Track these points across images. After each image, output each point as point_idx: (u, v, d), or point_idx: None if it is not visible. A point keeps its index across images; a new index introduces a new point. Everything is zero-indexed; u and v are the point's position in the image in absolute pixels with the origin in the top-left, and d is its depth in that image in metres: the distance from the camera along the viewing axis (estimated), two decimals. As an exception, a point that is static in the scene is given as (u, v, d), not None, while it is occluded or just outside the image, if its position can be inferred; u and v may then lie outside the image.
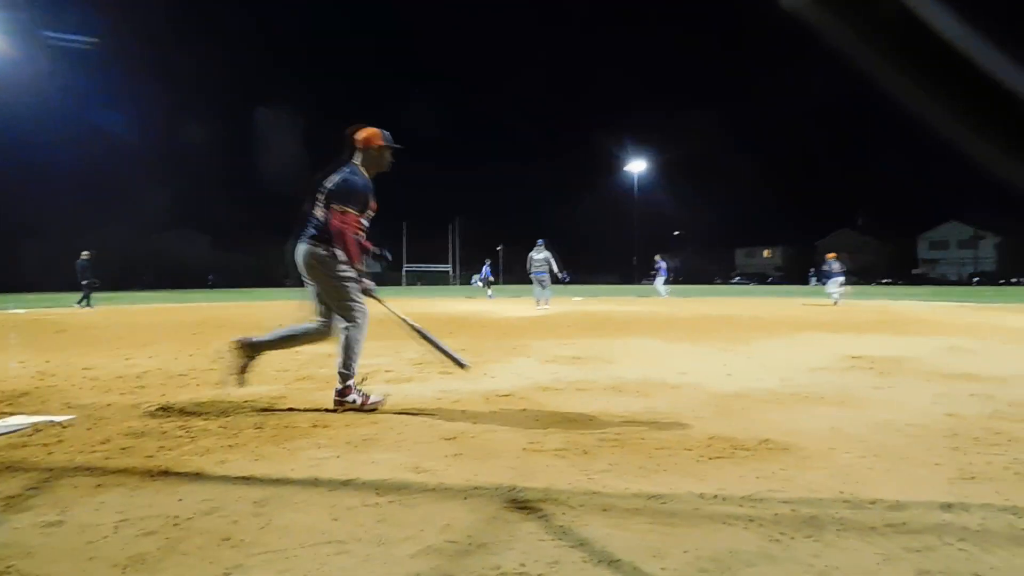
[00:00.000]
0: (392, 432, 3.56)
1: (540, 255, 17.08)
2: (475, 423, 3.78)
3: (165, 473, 2.80)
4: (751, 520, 2.21)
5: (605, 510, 2.33)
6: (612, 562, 1.89)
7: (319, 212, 4.25)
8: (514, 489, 2.58)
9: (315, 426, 3.70)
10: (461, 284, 68.93)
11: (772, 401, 4.36)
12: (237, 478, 2.75)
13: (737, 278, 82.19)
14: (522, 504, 2.40)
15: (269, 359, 6.69)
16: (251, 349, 4.40)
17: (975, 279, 65.97)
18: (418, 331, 4.46)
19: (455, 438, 3.42)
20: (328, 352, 7.23)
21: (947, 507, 2.32)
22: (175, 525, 2.20)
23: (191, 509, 2.35)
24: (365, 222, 4.28)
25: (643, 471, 2.80)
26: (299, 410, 4.14)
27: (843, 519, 2.21)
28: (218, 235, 74.38)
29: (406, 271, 74.03)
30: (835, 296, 19.46)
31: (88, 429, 3.62)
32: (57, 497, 2.50)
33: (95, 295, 19.66)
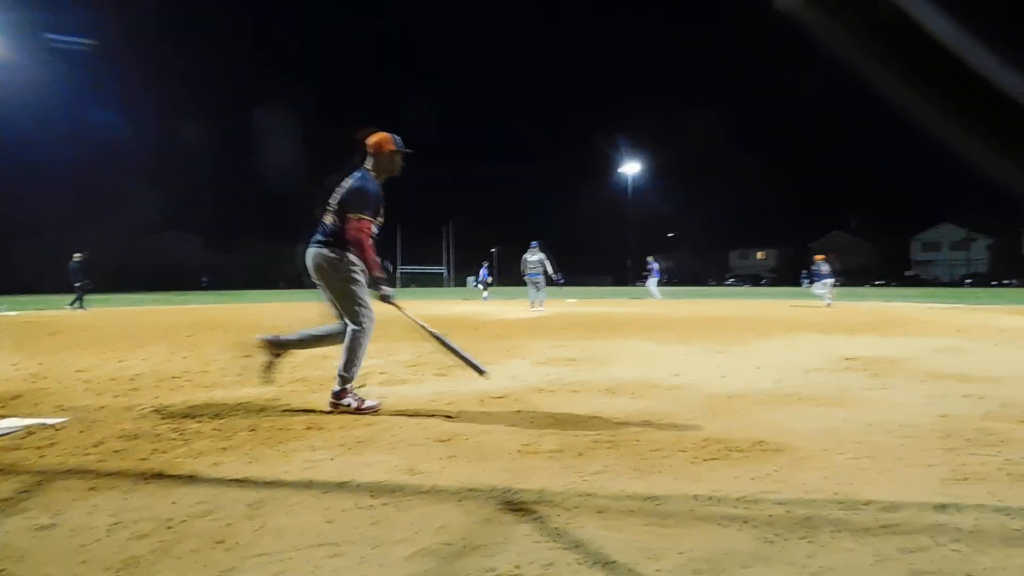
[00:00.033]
0: (386, 434, 3.56)
1: (534, 257, 17.09)
2: (470, 425, 3.78)
3: (158, 476, 2.79)
4: (746, 521, 2.21)
5: (600, 511, 2.33)
6: (607, 563, 1.90)
7: (329, 217, 4.26)
8: (509, 491, 2.58)
9: (309, 428, 3.70)
10: (456, 286, 68.98)
11: (766, 402, 4.37)
12: (231, 480, 2.74)
13: (731, 280, 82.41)
14: (517, 506, 2.40)
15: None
16: (277, 347, 4.41)
17: (967, 280, 66.24)
18: (437, 337, 4.45)
19: (450, 440, 3.42)
20: (323, 354, 7.22)
21: (941, 508, 2.33)
22: (168, 528, 2.19)
23: (185, 512, 2.34)
24: (375, 229, 4.28)
25: (638, 472, 2.80)
26: (293, 412, 4.13)
27: (837, 520, 2.22)
28: (212, 237, 74.31)
29: (400, 273, 73.99)
30: (827, 299, 19.52)
31: (81, 431, 3.60)
32: (50, 500, 2.49)
33: (88, 297, 19.58)
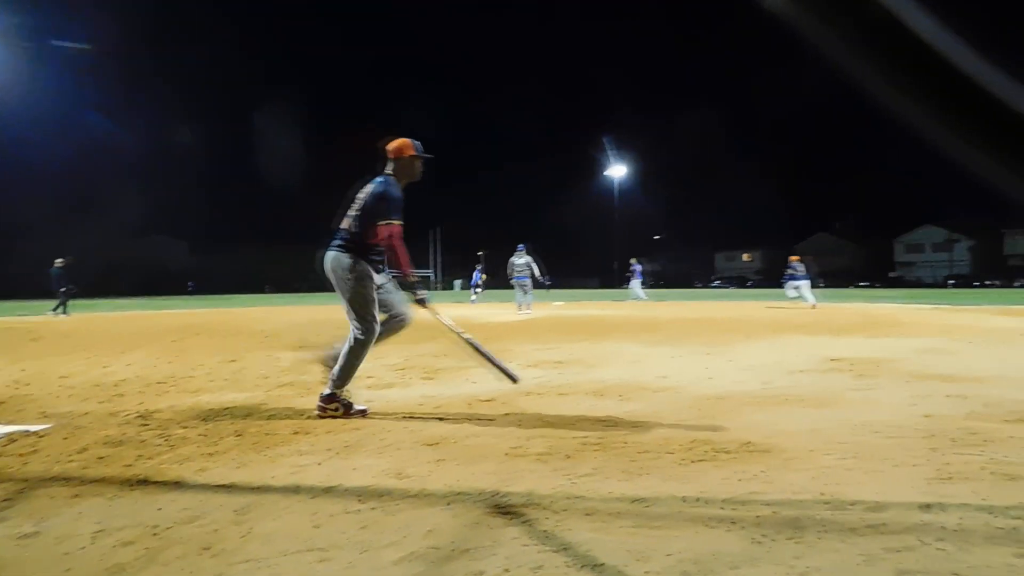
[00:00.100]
0: (374, 438, 3.55)
1: (521, 260, 17.10)
2: (457, 428, 3.78)
3: (144, 482, 2.77)
4: (733, 522, 2.22)
5: (588, 514, 2.33)
6: (596, 566, 1.90)
7: (349, 222, 4.27)
8: (497, 494, 2.58)
9: (296, 433, 3.68)
10: (443, 289, 68.84)
11: (753, 403, 4.39)
12: (217, 486, 2.72)
13: (717, 281, 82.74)
14: (505, 509, 2.40)
15: (250, 367, 6.65)
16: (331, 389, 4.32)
17: (950, 281, 66.87)
18: (470, 342, 4.43)
19: (438, 443, 3.41)
20: (309, 359, 7.19)
21: (926, 507, 2.35)
22: (154, 535, 2.17)
23: (170, 518, 2.32)
24: None
25: (626, 475, 2.81)
26: (280, 417, 4.11)
27: (824, 520, 2.23)
28: (198, 241, 73.92)
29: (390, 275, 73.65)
30: (810, 299, 19.66)
31: (65, 438, 3.57)
32: (33, 507, 2.46)
33: (72, 302, 19.38)
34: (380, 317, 4.29)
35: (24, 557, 2.02)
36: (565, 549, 2.01)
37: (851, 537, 2.07)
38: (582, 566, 1.90)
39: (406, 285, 4.36)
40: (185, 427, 3.84)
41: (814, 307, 18.62)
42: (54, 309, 18.57)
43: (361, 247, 4.19)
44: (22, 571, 1.92)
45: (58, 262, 18.94)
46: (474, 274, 27.52)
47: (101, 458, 3.15)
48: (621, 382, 5.38)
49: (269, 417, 4.11)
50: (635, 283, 26.00)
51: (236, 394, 4.94)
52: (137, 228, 65.34)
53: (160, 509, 2.42)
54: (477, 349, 4.41)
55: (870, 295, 34.51)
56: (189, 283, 60.51)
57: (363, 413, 4.12)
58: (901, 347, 7.80)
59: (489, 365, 4.39)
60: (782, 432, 3.56)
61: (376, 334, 4.23)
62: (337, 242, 4.25)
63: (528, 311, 16.75)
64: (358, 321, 4.17)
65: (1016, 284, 59.32)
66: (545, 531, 2.17)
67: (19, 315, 19.30)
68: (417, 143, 4.44)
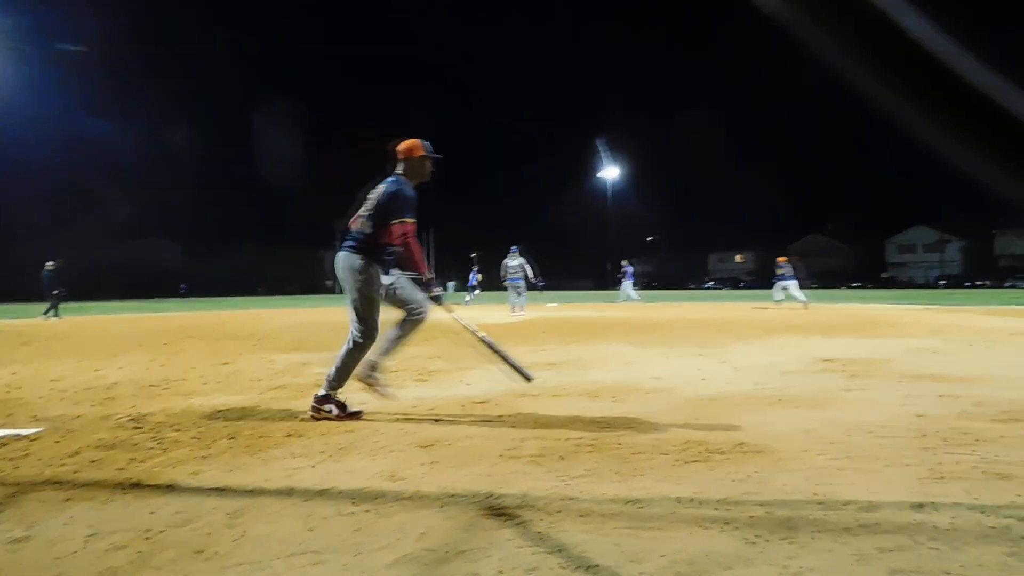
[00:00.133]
0: (368, 441, 3.54)
1: (515, 261, 17.11)
2: (451, 430, 3.77)
3: (136, 485, 2.76)
4: (727, 523, 2.22)
5: (582, 515, 2.33)
6: (590, 567, 1.90)
7: (362, 223, 4.28)
8: (491, 496, 2.57)
9: (290, 435, 3.67)
10: (436, 291, 68.56)
11: (746, 404, 4.40)
12: (210, 489, 2.71)
13: (710, 282, 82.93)
14: (499, 511, 2.40)
15: (243, 369, 6.63)
16: (375, 368, 4.36)
17: (941, 282, 67.17)
18: (485, 341, 4.45)
19: (431, 446, 3.40)
20: (303, 361, 7.19)
21: (918, 507, 2.36)
22: (147, 538, 2.16)
23: (163, 522, 2.31)
24: None
25: (619, 476, 2.81)
26: (273, 419, 4.10)
27: (817, 520, 2.24)
28: (190, 243, 73.66)
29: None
30: (778, 296, 19.80)
31: (56, 442, 3.55)
32: (24, 512, 2.45)
33: (63, 305, 19.26)
34: (398, 314, 4.34)
35: (15, 562, 2.00)
36: (559, 550, 2.01)
37: (844, 537, 2.08)
38: (576, 567, 1.90)
39: (421, 283, 4.38)
40: (178, 430, 3.83)
41: (806, 306, 18.69)
42: (45, 313, 18.44)
43: (374, 247, 4.21)
44: (13, 576, 1.91)
45: (49, 265, 18.82)
46: (471, 275, 27.48)
47: (93, 462, 3.14)
48: (615, 383, 5.39)
49: (262, 420, 4.10)
50: (626, 284, 26.06)
51: (229, 397, 4.92)
52: (129, 230, 65.10)
53: (153, 512, 2.41)
54: (492, 347, 4.42)
55: (862, 296, 34.63)
56: (182, 285, 60.33)
57: (357, 415, 4.12)
58: (893, 347, 7.84)
59: (503, 363, 4.39)
60: (775, 433, 3.57)
61: (375, 340, 4.23)
62: (349, 243, 4.27)
63: (522, 313, 16.75)
64: (359, 323, 4.18)
65: (1006, 284, 59.62)
66: (539, 533, 2.17)
67: (10, 318, 19.18)
68: (426, 143, 4.48)
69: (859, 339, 9.12)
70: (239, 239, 74.66)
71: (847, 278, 71.39)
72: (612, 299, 28.06)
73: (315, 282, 71.57)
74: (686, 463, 2.99)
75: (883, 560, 1.90)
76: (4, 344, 10.39)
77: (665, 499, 2.50)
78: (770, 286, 21.30)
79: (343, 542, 2.11)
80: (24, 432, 3.79)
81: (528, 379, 4.33)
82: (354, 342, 4.18)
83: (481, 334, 4.47)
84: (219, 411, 4.38)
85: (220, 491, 2.68)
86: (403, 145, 4.45)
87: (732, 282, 78.72)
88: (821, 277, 71.04)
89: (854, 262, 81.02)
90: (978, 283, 63.21)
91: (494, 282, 21.33)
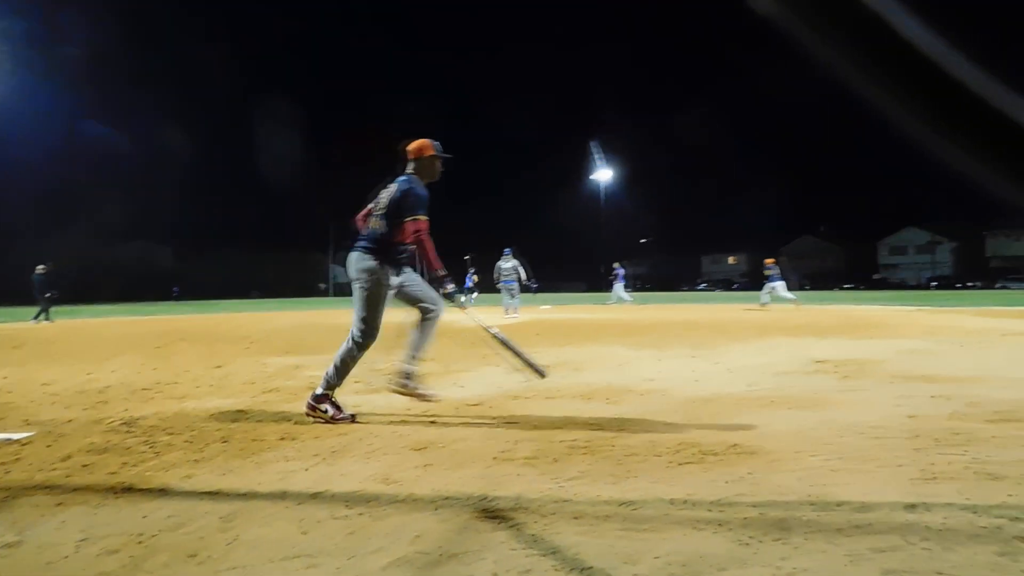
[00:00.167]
0: (361, 443, 3.53)
1: (508, 264, 17.11)
2: (445, 433, 3.77)
3: (129, 489, 2.74)
4: (720, 524, 2.23)
5: (576, 517, 2.33)
6: (584, 569, 1.90)
7: (375, 222, 4.32)
8: (485, 498, 2.57)
9: (283, 439, 3.66)
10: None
11: (739, 405, 4.41)
12: (203, 493, 2.70)
13: (703, 284, 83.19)
14: (493, 513, 2.40)
15: (236, 372, 6.61)
16: (410, 375, 4.39)
17: (933, 283, 67.60)
18: (497, 337, 4.53)
19: (425, 448, 3.40)
20: (296, 364, 7.17)
21: (911, 507, 2.37)
22: (139, 543, 2.15)
23: (156, 526, 2.30)
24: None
25: (613, 478, 2.81)
26: (266, 423, 4.09)
27: (810, 521, 2.24)
28: (182, 245, 73.32)
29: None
30: (764, 299, 19.95)
31: (48, 446, 3.53)
32: (15, 516, 2.43)
33: (55, 309, 19.16)
34: (413, 313, 4.41)
35: (6, 567, 1.99)
36: (553, 552, 2.01)
37: (837, 538, 2.09)
38: (570, 569, 1.90)
39: (435, 280, 4.42)
40: (170, 433, 3.81)
41: (798, 306, 18.81)
42: (35, 317, 18.32)
43: (387, 247, 4.24)
44: (5, 581, 1.90)
45: (40, 268, 18.71)
46: (466, 278, 27.42)
47: (85, 466, 3.12)
48: (608, 385, 5.39)
49: (255, 423, 4.09)
50: (618, 286, 26.18)
51: (222, 400, 4.90)
52: (121, 232, 64.68)
53: (145, 517, 2.40)
54: (505, 344, 4.48)
55: (855, 297, 34.77)
56: (174, 288, 60.03)
57: (351, 418, 4.11)
58: (885, 348, 7.87)
59: (517, 360, 4.43)
60: (768, 434, 3.58)
61: (374, 340, 4.25)
62: (363, 243, 4.30)
63: (515, 315, 16.76)
64: (362, 323, 4.20)
65: (997, 285, 60.01)
66: (533, 535, 2.17)
67: (1, 321, 19.06)
68: (436, 143, 4.52)
69: (852, 340, 9.15)
70: (232, 242, 74.45)
71: (839, 279, 71.73)
72: (605, 301, 28.13)
73: (308, 285, 71.46)
74: (680, 464, 2.99)
75: (876, 560, 1.91)
76: (-5, 348, 10.33)
77: (659, 501, 2.50)
78: (762, 288, 21.45)
79: (337, 545, 2.11)
80: (15, 436, 3.76)
81: (542, 375, 4.37)
82: (354, 341, 4.19)
83: (494, 331, 4.56)
84: (212, 414, 4.36)
85: (213, 495, 2.68)
86: (413, 145, 4.49)
87: (725, 284, 78.99)
88: (814, 279, 71.39)
89: (846, 264, 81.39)
90: (969, 284, 63.64)
91: (487, 284, 21.33)
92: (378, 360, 6.48)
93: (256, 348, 9.34)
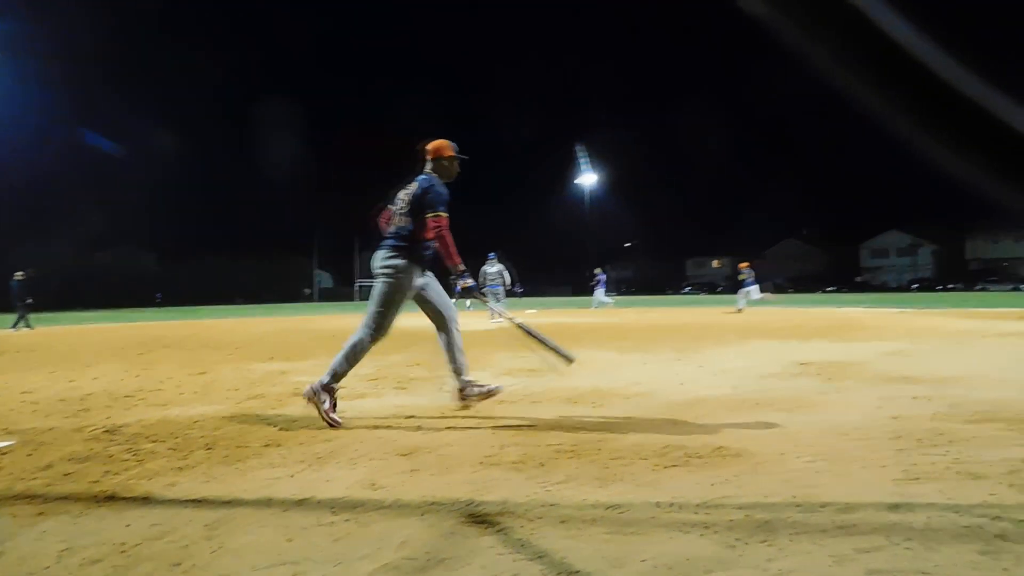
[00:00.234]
0: (347, 449, 3.52)
1: (493, 268, 17.12)
2: (431, 438, 3.76)
3: (111, 498, 2.71)
4: (707, 527, 2.24)
5: (563, 521, 2.33)
6: (571, 573, 1.90)
7: (400, 220, 4.43)
8: (471, 503, 2.57)
9: (268, 445, 3.63)
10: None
11: (724, 408, 4.43)
12: (187, 501, 2.68)
13: (687, 288, 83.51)
14: (480, 518, 2.39)
15: (220, 379, 6.56)
16: (466, 385, 4.52)
17: (914, 285, 68.22)
18: (522, 328, 4.63)
19: (411, 453, 3.39)
20: (281, 370, 7.13)
21: (894, 508, 2.39)
22: (122, 552, 2.13)
23: (139, 535, 2.28)
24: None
25: (599, 481, 2.81)
26: (251, 429, 4.06)
27: (796, 523, 2.26)
28: (166, 251, 72.75)
29: (359, 286, 73.28)
30: (741, 304, 20.24)
31: (28, 455, 3.49)
32: (-5, 527, 2.40)
33: (34, 315, 18.92)
34: (435, 320, 4.56)
35: (-13, 578, 1.96)
36: (540, 557, 2.01)
37: (822, 539, 2.10)
38: (557, 573, 1.90)
39: (454, 275, 4.54)
40: (154, 441, 3.77)
41: (740, 311, 19.24)
42: (14, 325, 18.09)
43: (413, 243, 4.36)
44: (-15, 592, 1.87)
45: (18, 275, 18.47)
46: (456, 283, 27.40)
47: (67, 475, 3.09)
48: (594, 389, 5.40)
49: (240, 430, 4.05)
50: (599, 292, 26.35)
51: (206, 407, 4.86)
52: (103, 238, 64.09)
53: (128, 526, 2.38)
54: (529, 332, 4.57)
55: (837, 299, 35.05)
56: (157, 294, 59.53)
57: (337, 424, 4.09)
58: (868, 350, 7.93)
59: (542, 348, 4.52)
60: (753, 436, 3.60)
61: (383, 338, 4.35)
62: (390, 241, 4.41)
63: (500, 320, 16.73)
64: (376, 318, 4.30)
65: (977, 287, 60.65)
66: (520, 539, 2.17)
67: (-20, 329, 18.82)
68: (454, 144, 4.65)
69: (834, 342, 9.23)
70: (215, 247, 74.00)
71: (822, 282, 72.24)
72: (590, 305, 28.23)
73: (293, 290, 71.08)
74: (665, 468, 3.00)
75: (860, 561, 1.92)
76: (-26, 356, 10.19)
77: (645, 504, 2.51)
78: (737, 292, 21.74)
79: (323, 552, 2.10)
80: (-5, 445, 3.71)
81: (570, 361, 4.46)
82: (362, 337, 4.28)
83: (518, 320, 4.69)
84: (196, 421, 4.33)
85: (197, 502, 2.65)
86: (432, 145, 4.61)
87: (709, 287, 79.38)
88: (796, 281, 71.86)
89: (829, 266, 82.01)
90: (949, 286, 64.27)
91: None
92: (363, 365, 6.45)
93: (240, 354, 9.27)
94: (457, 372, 4.48)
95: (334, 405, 4.16)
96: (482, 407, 4.59)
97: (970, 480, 2.71)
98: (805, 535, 2.14)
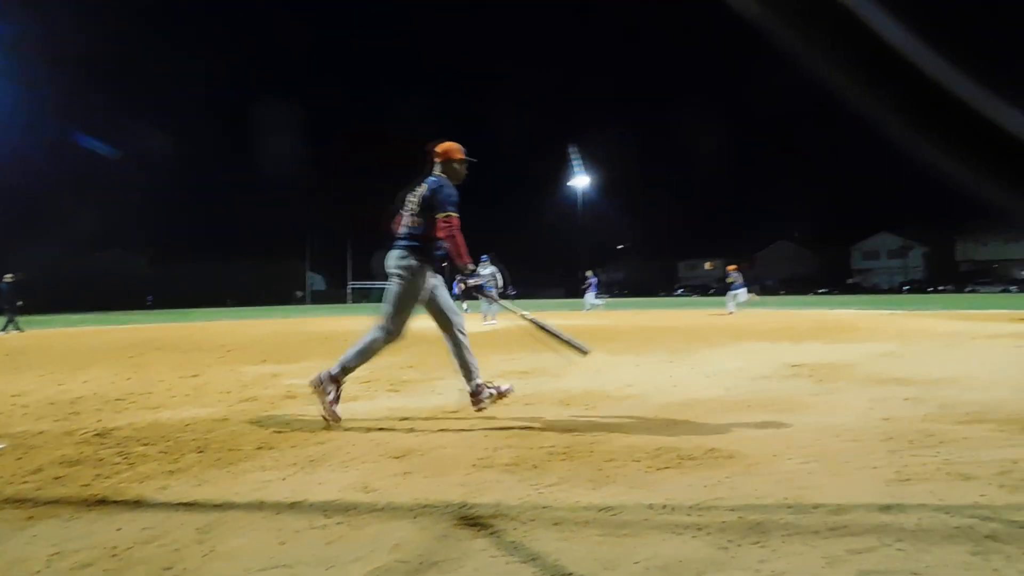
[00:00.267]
0: (339, 452, 3.51)
1: (486, 270, 17.12)
2: (424, 440, 3.75)
3: (102, 502, 2.70)
4: (699, 528, 2.24)
5: (556, 524, 2.33)
6: (564, 575, 1.90)
7: (411, 219, 4.48)
8: (464, 506, 2.56)
9: (260, 448, 3.62)
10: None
11: (717, 410, 4.44)
12: (179, 504, 2.66)
13: (679, 290, 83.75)
14: (473, 521, 2.39)
15: (212, 381, 6.54)
16: (479, 389, 4.49)
17: (905, 287, 68.60)
18: (534, 322, 4.73)
19: (404, 456, 3.38)
20: (273, 372, 7.11)
21: (885, 509, 2.40)
22: (113, 556, 2.11)
23: (130, 538, 2.27)
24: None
25: (592, 483, 2.82)
26: (243, 432, 4.04)
27: (788, 524, 2.26)
28: (157, 253, 72.41)
29: (351, 288, 73.16)
30: (730, 307, 20.31)
31: (18, 459, 3.46)
32: (-15, 531, 2.38)
33: (24, 319, 18.79)
34: (441, 325, 4.56)
35: (-24, 582, 1.95)
36: (533, 559, 2.01)
37: (814, 540, 2.11)
38: (551, 575, 1.90)
39: (463, 274, 4.58)
40: (145, 444, 3.76)
41: (731, 313, 19.30)
42: (3, 328, 17.97)
43: (425, 243, 4.41)
44: (-26, 597, 1.86)
45: (7, 277, 18.36)
46: (453, 285, 27.39)
47: (57, 478, 3.07)
48: (586, 391, 5.41)
49: (232, 433, 4.04)
50: (589, 295, 26.42)
51: (197, 410, 4.84)
52: (93, 240, 63.73)
53: (119, 529, 2.36)
54: (542, 327, 4.66)
55: (828, 301, 35.18)
56: (148, 297, 59.24)
57: (335, 420, 4.14)
58: (859, 352, 7.97)
59: (556, 342, 4.60)
60: (745, 437, 3.61)
61: (398, 337, 4.40)
62: (403, 242, 4.45)
63: (493, 322, 16.75)
64: (393, 318, 4.36)
65: (967, 289, 60.99)
66: (513, 542, 2.16)
67: (-31, 332, 18.69)
68: (463, 147, 4.71)
69: (826, 344, 9.26)
70: (207, 249, 73.76)
71: (813, 284, 72.52)
72: (582, 308, 28.26)
73: (285, 293, 70.84)
74: (658, 469, 3.01)
75: (852, 562, 1.93)
76: (-37, 359, 10.12)
77: (638, 506, 2.51)
78: (725, 295, 21.84)
79: (315, 555, 2.09)
80: (-16, 449, 3.69)
81: (585, 352, 4.52)
82: (382, 333, 4.34)
83: (530, 316, 4.77)
84: (187, 424, 4.31)
85: (189, 506, 2.64)
86: (442, 147, 4.67)
87: (701, 289, 79.59)
88: (788, 283, 72.12)
89: (820, 268, 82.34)
90: (940, 288, 64.63)
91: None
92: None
93: (232, 357, 9.24)
94: (468, 377, 4.47)
95: (337, 399, 4.21)
96: (473, 409, 4.58)
97: (961, 481, 2.73)
98: (797, 536, 2.14)
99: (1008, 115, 0.51)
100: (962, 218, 69.86)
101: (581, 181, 65.26)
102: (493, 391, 4.48)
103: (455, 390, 5.43)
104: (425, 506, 2.57)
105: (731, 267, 21.78)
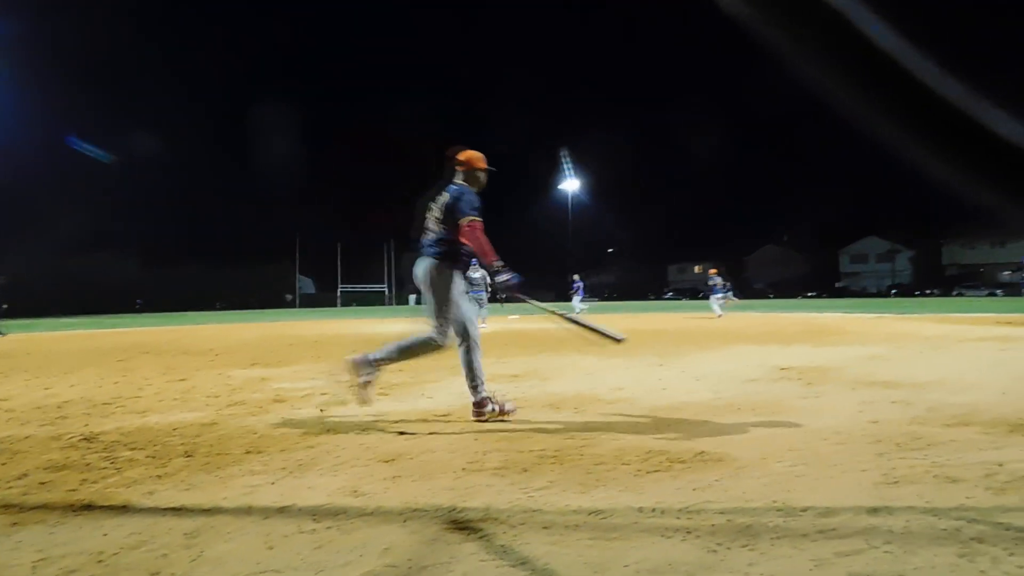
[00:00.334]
0: (329, 456, 3.49)
1: (477, 274, 17.08)
2: (413, 444, 3.74)
3: (88, 507, 2.68)
4: (689, 531, 2.24)
5: (545, 527, 2.33)
6: (554, 579, 1.90)
7: (437, 226, 4.53)
8: (454, 510, 2.56)
9: (248, 452, 3.60)
10: (397, 304, 68.33)
11: (706, 413, 4.45)
12: (166, 509, 2.65)
13: (669, 293, 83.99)
14: (462, 525, 2.39)
15: (200, 385, 6.50)
16: (482, 403, 4.44)
17: (893, 291, 69.07)
18: (566, 318, 4.88)
19: (393, 460, 3.37)
20: (262, 376, 7.08)
21: (873, 511, 2.41)
22: (99, 562, 2.10)
23: (117, 544, 2.25)
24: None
25: (582, 487, 2.82)
26: (231, 436, 4.02)
27: (777, 527, 2.27)
28: (146, 257, 71.90)
29: (341, 292, 72.99)
30: (718, 311, 20.39)
31: (3, 464, 3.43)
32: (-31, 537, 2.36)
33: (8, 322, 18.62)
34: (457, 331, 4.54)
35: (-40, 589, 1.93)
36: (523, 563, 2.01)
37: (803, 543, 2.11)
38: (540, 580, 1.89)
39: (492, 272, 4.60)
40: (132, 449, 3.73)
41: (719, 317, 19.40)
42: None
43: (452, 248, 4.46)
44: (-42, 604, 1.84)
45: (-8, 280, 18.21)
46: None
47: (43, 483, 3.04)
48: (576, 394, 5.41)
49: (220, 437, 4.02)
50: (576, 299, 26.49)
51: (185, 414, 4.81)
52: (81, 243, 63.19)
53: (106, 535, 2.34)
54: (577, 323, 4.81)
55: (817, 305, 35.35)
56: (137, 300, 58.87)
57: (368, 399, 4.40)
58: (847, 355, 8.01)
59: (590, 334, 4.71)
60: (734, 441, 3.62)
61: (450, 341, 4.47)
62: (430, 249, 4.50)
63: (483, 325, 16.74)
64: (441, 325, 4.44)
65: (954, 292, 61.47)
66: (503, 546, 2.16)
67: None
68: (484, 156, 4.80)
69: (815, 347, 9.31)
70: (196, 252, 73.42)
71: (802, 288, 72.91)
72: (573, 311, 28.32)
73: (274, 297, 70.59)
74: (648, 473, 3.01)
75: (840, 565, 1.94)
76: (-52, 363, 10.02)
77: (628, 509, 2.51)
78: (710, 299, 21.94)
79: (304, 560, 2.08)
80: (-31, 454, 3.65)
81: (619, 340, 4.66)
82: (434, 338, 4.44)
83: (558, 312, 4.90)
84: (175, 428, 4.28)
85: (176, 511, 2.62)
86: (465, 156, 4.74)
87: (691, 293, 79.84)
88: (776, 287, 72.47)
89: (809, 272, 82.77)
90: (927, 292, 65.10)
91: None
92: (344, 372, 6.43)
93: (221, 360, 9.20)
94: (474, 387, 4.44)
95: (370, 382, 4.34)
96: (464, 413, 4.56)
97: (948, 483, 2.74)
98: (786, 539, 2.15)
99: (995, 117, 0.51)
100: (949, 222, 70.47)
101: (572, 184, 65.45)
102: (496, 408, 4.43)
103: (445, 393, 5.43)
104: (415, 510, 2.57)
105: (713, 270, 21.90)
